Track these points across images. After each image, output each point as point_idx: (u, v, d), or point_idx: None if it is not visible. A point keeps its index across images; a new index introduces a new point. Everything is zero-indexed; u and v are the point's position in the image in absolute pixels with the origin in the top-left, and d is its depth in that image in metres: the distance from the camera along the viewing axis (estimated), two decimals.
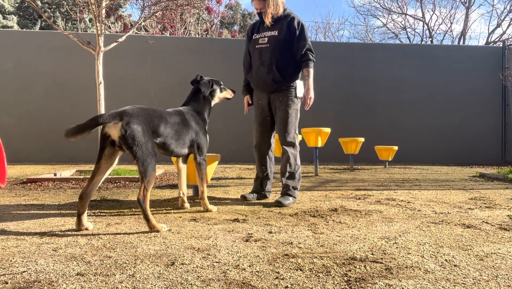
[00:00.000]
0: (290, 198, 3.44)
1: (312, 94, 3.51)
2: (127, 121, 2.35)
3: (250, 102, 3.75)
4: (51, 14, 16.32)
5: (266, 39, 3.49)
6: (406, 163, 8.69)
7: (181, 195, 3.24)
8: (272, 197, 3.71)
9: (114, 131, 2.35)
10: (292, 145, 3.51)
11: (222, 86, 3.30)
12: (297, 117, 3.55)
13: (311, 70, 3.46)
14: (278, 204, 3.33)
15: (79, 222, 2.44)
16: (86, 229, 2.45)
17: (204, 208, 3.10)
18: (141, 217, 2.82)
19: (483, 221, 2.79)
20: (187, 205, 3.24)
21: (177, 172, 3.06)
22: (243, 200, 3.58)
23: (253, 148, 3.69)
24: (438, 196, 4.01)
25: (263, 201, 3.61)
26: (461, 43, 18.11)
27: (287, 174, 3.50)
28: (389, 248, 2.11)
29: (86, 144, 8.03)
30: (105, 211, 3.10)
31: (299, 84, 3.52)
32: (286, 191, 3.48)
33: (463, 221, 2.80)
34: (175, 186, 4.54)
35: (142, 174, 2.37)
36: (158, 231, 2.40)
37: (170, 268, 1.76)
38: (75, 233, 2.39)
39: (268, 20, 3.44)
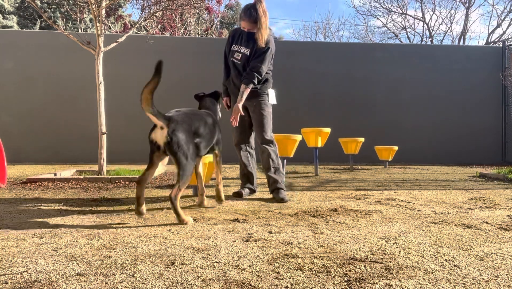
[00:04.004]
0: (283, 191, 3.66)
1: (239, 109, 3.53)
2: (172, 129, 2.54)
3: (229, 104, 3.93)
4: (51, 14, 16.33)
5: (240, 55, 3.67)
6: (406, 163, 8.69)
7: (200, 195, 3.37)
8: (259, 193, 3.91)
9: (160, 138, 2.54)
10: (271, 142, 3.74)
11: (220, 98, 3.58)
12: (271, 119, 3.78)
13: (247, 90, 3.53)
14: (281, 200, 3.55)
15: (138, 205, 2.62)
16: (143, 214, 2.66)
17: (217, 196, 3.24)
18: (141, 217, 2.83)
19: (483, 221, 2.79)
20: (206, 203, 3.34)
21: (196, 177, 3.29)
22: (237, 196, 3.71)
23: (234, 146, 3.91)
24: (438, 196, 4.01)
25: (263, 201, 3.62)
26: (461, 43, 18.11)
27: (272, 169, 3.71)
28: (389, 248, 2.11)
29: (86, 144, 8.06)
30: (105, 211, 3.11)
31: (271, 92, 3.80)
32: (277, 186, 3.67)
33: (463, 221, 2.80)
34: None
35: (180, 176, 2.57)
36: (186, 224, 2.58)
37: (170, 268, 1.76)
38: (75, 233, 2.39)
39: (263, 42, 3.53)
